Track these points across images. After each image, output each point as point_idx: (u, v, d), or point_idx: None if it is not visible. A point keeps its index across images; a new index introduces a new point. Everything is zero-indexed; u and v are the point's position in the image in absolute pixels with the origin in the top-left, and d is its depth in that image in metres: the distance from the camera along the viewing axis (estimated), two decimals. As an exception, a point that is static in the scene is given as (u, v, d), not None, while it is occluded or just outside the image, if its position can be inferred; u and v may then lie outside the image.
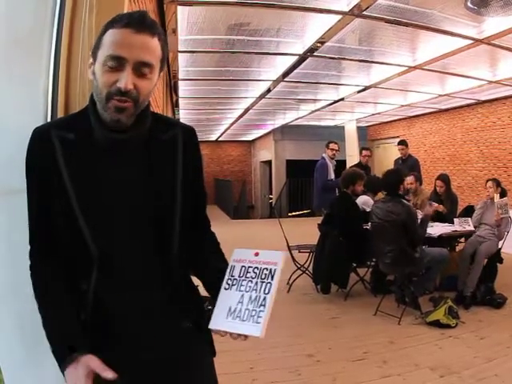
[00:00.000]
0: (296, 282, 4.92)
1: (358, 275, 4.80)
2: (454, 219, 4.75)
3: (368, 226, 4.77)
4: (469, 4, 3.66)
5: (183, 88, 7.12)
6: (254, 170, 18.44)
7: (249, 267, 1.03)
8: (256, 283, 1.00)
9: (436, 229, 4.64)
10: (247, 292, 1.00)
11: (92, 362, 0.97)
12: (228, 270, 1.05)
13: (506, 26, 4.09)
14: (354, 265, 4.72)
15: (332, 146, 6.10)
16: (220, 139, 17.37)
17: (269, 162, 15.97)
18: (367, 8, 3.73)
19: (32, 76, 1.33)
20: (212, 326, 1.01)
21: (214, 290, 1.07)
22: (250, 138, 17.47)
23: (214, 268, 1.14)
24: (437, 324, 3.71)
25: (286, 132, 14.15)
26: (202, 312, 1.20)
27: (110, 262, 1.06)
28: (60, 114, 1.35)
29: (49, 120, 1.34)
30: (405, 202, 4.12)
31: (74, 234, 1.03)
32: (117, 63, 0.99)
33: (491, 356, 3.12)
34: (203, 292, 1.24)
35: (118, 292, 1.08)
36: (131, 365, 1.08)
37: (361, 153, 6.67)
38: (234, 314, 0.99)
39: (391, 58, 5.40)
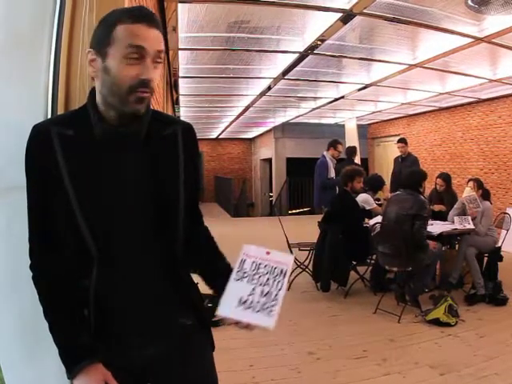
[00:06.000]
0: (296, 280, 4.92)
1: (357, 273, 4.81)
2: (454, 217, 4.75)
3: (368, 223, 4.78)
4: (469, 2, 3.65)
5: (183, 85, 7.11)
6: (254, 167, 18.44)
7: (260, 263, 1.07)
8: (268, 279, 1.05)
9: (436, 227, 4.64)
10: (260, 286, 1.05)
11: (102, 371, 1.01)
12: (238, 263, 1.08)
13: (506, 24, 4.08)
14: (354, 263, 4.73)
15: (340, 147, 6.06)
16: (220, 137, 17.36)
17: (269, 160, 15.95)
18: (367, 6, 3.72)
19: (32, 73, 1.33)
20: (220, 312, 1.02)
21: (216, 283, 1.13)
22: (250, 135, 17.47)
23: (211, 262, 1.21)
24: (436, 322, 3.71)
25: (286, 130, 14.12)
26: (202, 309, 1.21)
27: (110, 259, 1.06)
28: (60, 111, 1.35)
29: (49, 117, 1.34)
30: (421, 197, 4.16)
31: (74, 232, 1.03)
32: (137, 53, 1.00)
33: (491, 354, 3.13)
34: (203, 290, 1.25)
35: (118, 289, 1.08)
36: (132, 360, 1.09)
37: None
38: (245, 305, 1.02)
39: (391, 56, 5.39)
